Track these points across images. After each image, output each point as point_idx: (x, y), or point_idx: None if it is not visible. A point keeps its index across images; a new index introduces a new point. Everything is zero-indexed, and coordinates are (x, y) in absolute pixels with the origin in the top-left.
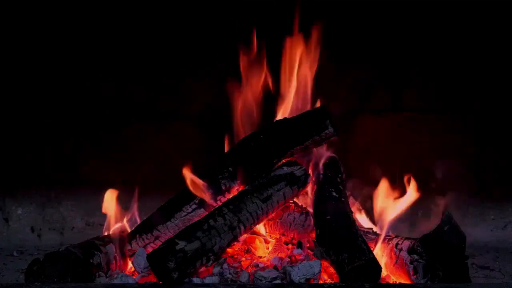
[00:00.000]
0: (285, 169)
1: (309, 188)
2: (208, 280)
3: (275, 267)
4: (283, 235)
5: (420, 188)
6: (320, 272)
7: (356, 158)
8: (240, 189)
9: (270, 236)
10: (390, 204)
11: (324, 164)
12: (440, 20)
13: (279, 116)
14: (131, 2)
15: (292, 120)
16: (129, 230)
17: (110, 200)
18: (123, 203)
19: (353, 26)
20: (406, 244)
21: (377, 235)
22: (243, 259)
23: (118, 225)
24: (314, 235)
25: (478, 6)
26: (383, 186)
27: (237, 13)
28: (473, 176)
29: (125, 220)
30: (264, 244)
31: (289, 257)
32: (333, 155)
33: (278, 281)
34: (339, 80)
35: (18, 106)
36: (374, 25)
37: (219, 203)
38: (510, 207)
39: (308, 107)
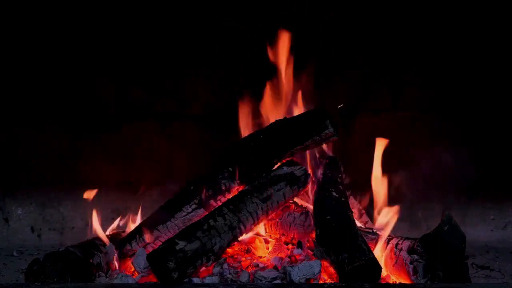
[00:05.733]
0: (285, 169)
1: (309, 188)
2: (208, 280)
3: (275, 267)
4: (283, 235)
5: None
6: (320, 272)
7: (356, 158)
8: (240, 189)
9: (270, 236)
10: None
11: (324, 164)
12: (440, 21)
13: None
14: (132, 5)
15: (292, 120)
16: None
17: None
18: (123, 203)
19: (354, 26)
20: (406, 244)
21: (377, 235)
22: (243, 259)
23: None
24: (314, 235)
25: (477, 8)
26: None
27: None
28: (473, 176)
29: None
30: (264, 244)
31: (289, 257)
32: (333, 155)
33: (278, 281)
34: (339, 80)
35: (19, 107)
36: (374, 26)
37: (219, 203)
38: (510, 207)
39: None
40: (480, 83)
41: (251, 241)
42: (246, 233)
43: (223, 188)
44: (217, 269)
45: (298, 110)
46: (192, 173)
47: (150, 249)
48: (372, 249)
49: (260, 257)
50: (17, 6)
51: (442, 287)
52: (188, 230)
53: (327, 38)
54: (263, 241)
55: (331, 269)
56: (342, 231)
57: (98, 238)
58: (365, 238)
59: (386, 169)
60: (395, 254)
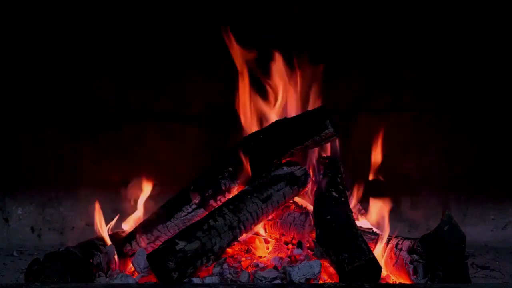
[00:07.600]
0: (285, 169)
1: (309, 188)
2: (208, 280)
3: (275, 267)
4: (283, 235)
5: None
6: (320, 272)
7: (356, 158)
8: (240, 189)
9: (270, 236)
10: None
11: (324, 164)
12: (440, 21)
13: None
14: (131, 5)
15: (292, 120)
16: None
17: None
18: (123, 203)
19: (353, 26)
20: (406, 244)
21: (377, 235)
22: (243, 259)
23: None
24: (314, 235)
25: (477, 7)
26: None
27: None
28: (473, 176)
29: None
30: (264, 244)
31: (289, 257)
32: (333, 155)
33: (278, 281)
34: (340, 80)
35: (20, 107)
36: (374, 26)
37: (219, 203)
38: (510, 207)
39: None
40: (480, 83)
41: (251, 241)
42: (246, 233)
43: (223, 188)
44: (217, 269)
45: (298, 110)
46: (192, 173)
47: (150, 249)
48: (372, 249)
49: (260, 257)
50: (19, 6)
51: (442, 287)
52: (188, 230)
53: (326, 38)
54: (263, 241)
55: (331, 269)
56: (342, 231)
57: (98, 238)
58: (365, 238)
59: (386, 169)
60: (395, 254)
